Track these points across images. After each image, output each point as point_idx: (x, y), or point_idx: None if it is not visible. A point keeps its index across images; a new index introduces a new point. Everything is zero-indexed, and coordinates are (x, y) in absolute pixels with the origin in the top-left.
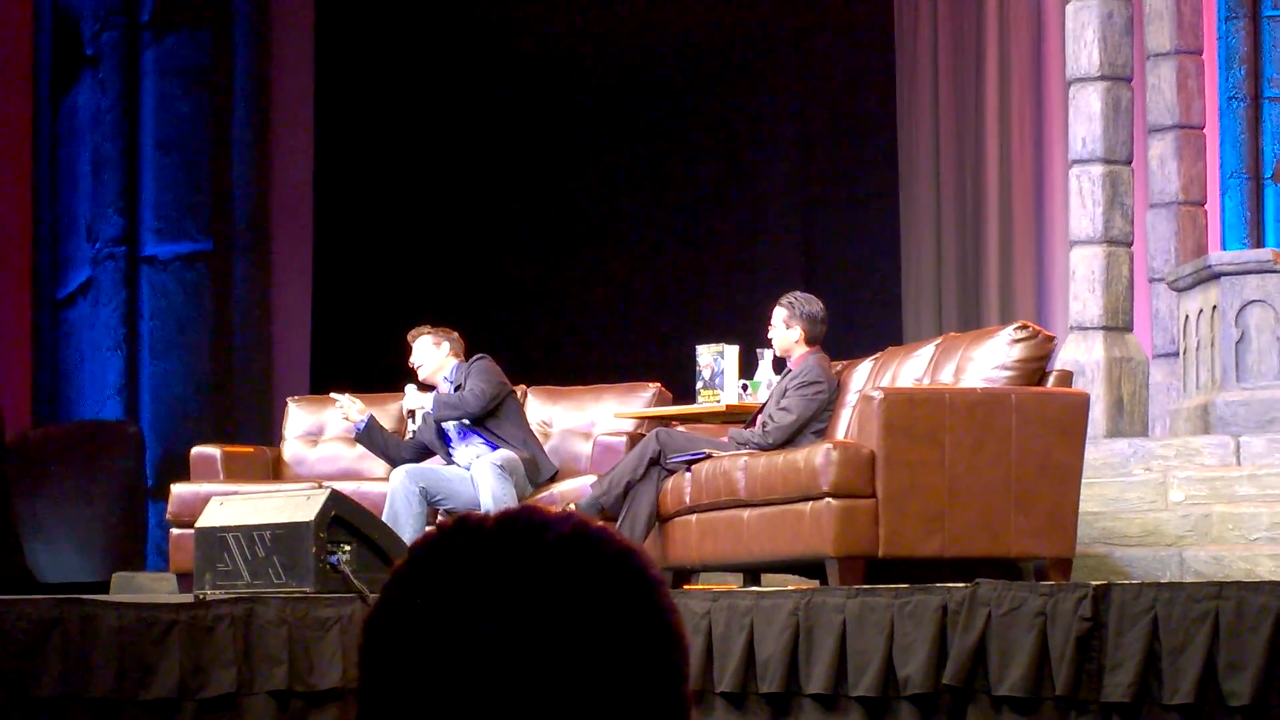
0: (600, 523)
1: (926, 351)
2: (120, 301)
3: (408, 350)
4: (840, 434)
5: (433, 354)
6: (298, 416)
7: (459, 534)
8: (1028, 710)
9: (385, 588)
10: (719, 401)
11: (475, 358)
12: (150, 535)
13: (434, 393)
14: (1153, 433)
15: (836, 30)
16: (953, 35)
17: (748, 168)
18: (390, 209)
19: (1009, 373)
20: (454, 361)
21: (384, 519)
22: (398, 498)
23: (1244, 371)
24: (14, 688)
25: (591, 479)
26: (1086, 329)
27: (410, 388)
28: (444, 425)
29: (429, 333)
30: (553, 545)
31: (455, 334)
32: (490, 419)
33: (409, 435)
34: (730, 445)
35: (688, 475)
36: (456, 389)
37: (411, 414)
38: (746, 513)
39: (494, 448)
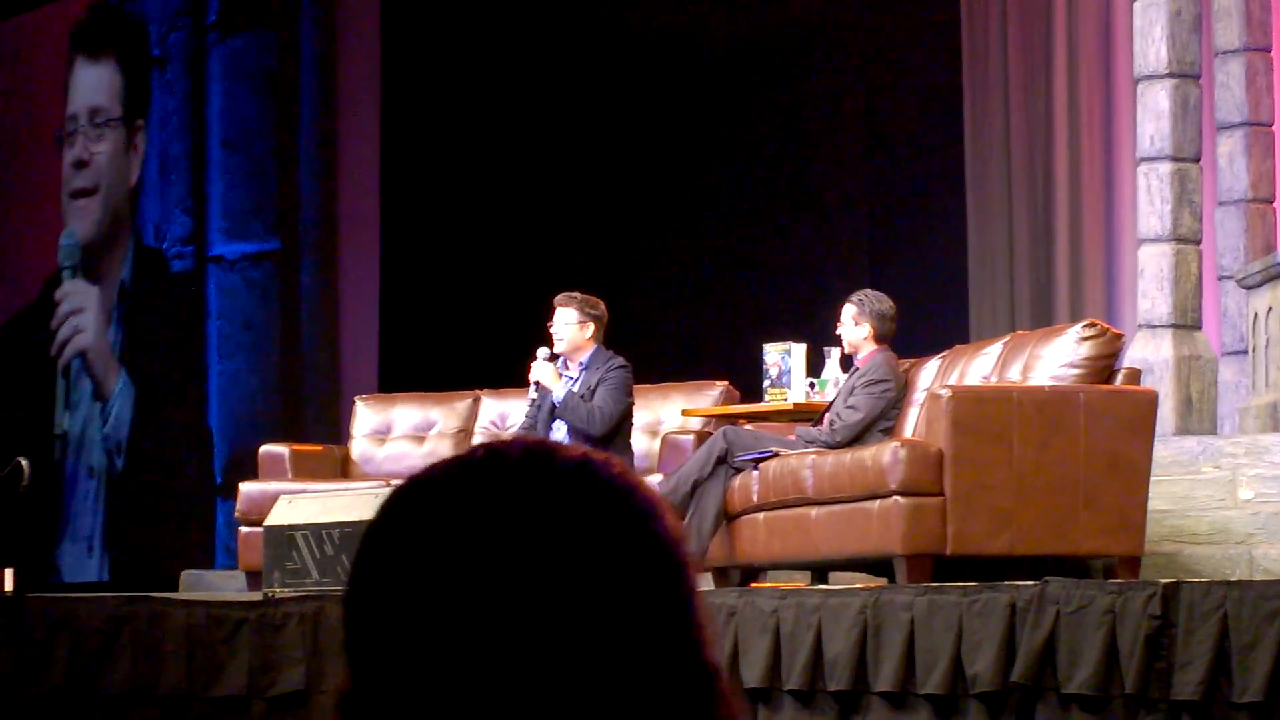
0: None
1: (994, 349)
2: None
3: (549, 312)
4: (908, 432)
5: (576, 333)
6: (365, 415)
7: (451, 466)
8: (1097, 708)
9: (380, 511)
10: (786, 400)
11: (617, 364)
12: (218, 533)
13: (566, 384)
14: (1221, 431)
15: (904, 27)
16: (1021, 30)
17: (815, 165)
18: (457, 207)
19: (1077, 371)
20: (594, 346)
21: None
22: None
23: None
24: (84, 684)
25: (659, 477)
26: (1155, 327)
27: (542, 356)
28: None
29: (576, 307)
30: (555, 475)
31: (602, 307)
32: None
33: (529, 403)
34: (798, 443)
35: (755, 473)
36: (586, 391)
37: (536, 384)
38: (814, 511)
39: None
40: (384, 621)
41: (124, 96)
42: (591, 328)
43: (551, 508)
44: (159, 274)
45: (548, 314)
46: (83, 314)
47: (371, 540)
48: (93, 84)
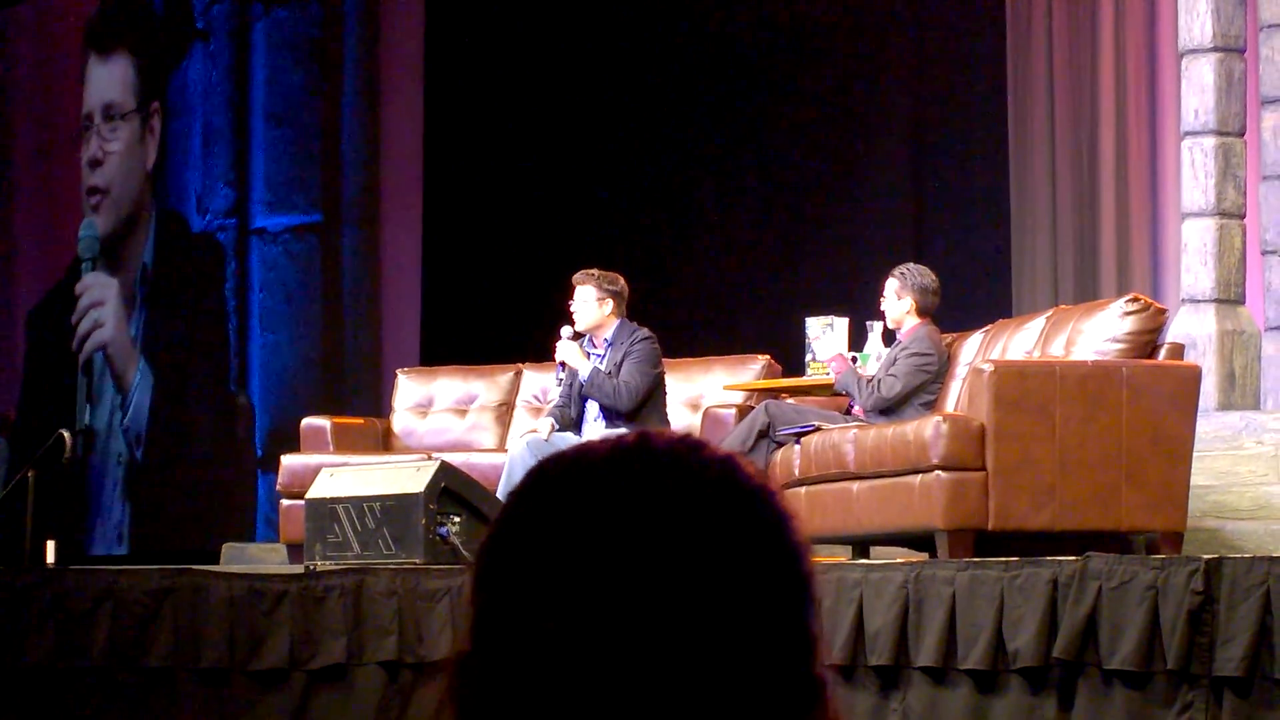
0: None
1: (1037, 324)
2: (230, 274)
3: (569, 290)
4: (950, 406)
5: (595, 310)
6: (408, 388)
7: (601, 447)
8: (1138, 684)
9: (527, 479)
10: (828, 374)
11: (641, 335)
12: (260, 506)
13: (594, 362)
14: (1264, 406)
15: (949, 2)
16: (1066, 3)
17: (859, 138)
18: (500, 181)
19: (1120, 345)
20: (616, 321)
21: (501, 488)
22: (516, 469)
23: None
24: (126, 657)
25: None
26: (1198, 302)
27: (566, 335)
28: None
29: (594, 284)
30: (699, 471)
31: (621, 282)
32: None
33: (556, 383)
34: (838, 417)
35: (797, 448)
36: (613, 367)
37: (563, 364)
38: (856, 485)
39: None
40: (515, 587)
41: (137, 87)
42: (611, 304)
43: (692, 503)
44: (181, 240)
45: (570, 293)
46: (103, 307)
47: (515, 507)
48: (105, 80)
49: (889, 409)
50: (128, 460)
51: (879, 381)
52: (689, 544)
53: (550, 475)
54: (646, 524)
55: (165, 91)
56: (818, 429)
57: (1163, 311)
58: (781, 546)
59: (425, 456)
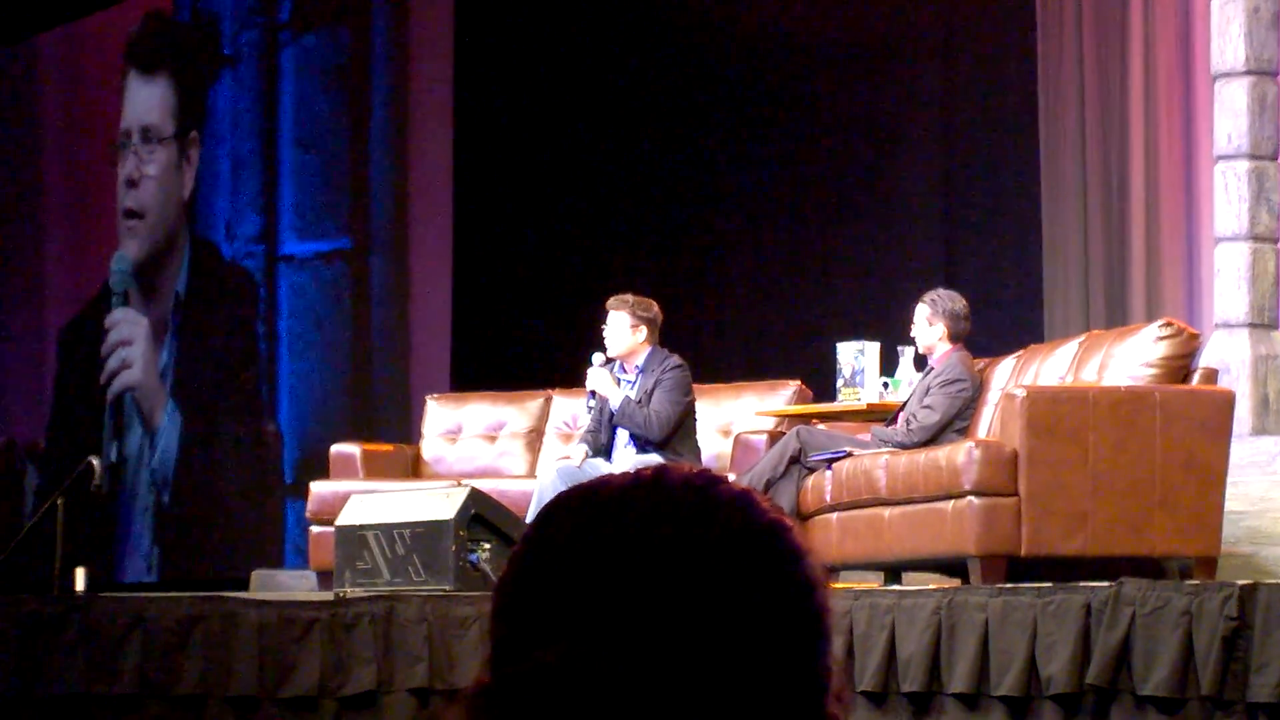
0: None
1: (1069, 349)
2: (259, 300)
3: (600, 316)
4: (982, 432)
5: (628, 336)
6: (437, 414)
7: (617, 482)
8: (1172, 710)
9: (545, 512)
10: (859, 399)
11: (672, 364)
12: (289, 533)
13: (624, 389)
14: None
15: (980, 25)
16: (1097, 27)
17: (888, 163)
18: (530, 206)
19: (1153, 370)
20: (649, 348)
21: (530, 514)
22: (546, 496)
23: None
24: (156, 684)
25: (732, 477)
26: (1232, 326)
27: (597, 361)
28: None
29: (628, 310)
30: (714, 505)
31: (655, 309)
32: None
33: (587, 410)
34: (872, 443)
35: (828, 473)
36: (644, 395)
37: (592, 392)
38: (888, 511)
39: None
40: (531, 620)
41: (176, 113)
42: (644, 330)
43: (707, 538)
44: (214, 268)
45: (603, 318)
46: (131, 346)
47: (532, 540)
48: (145, 102)
49: (930, 439)
50: (156, 494)
51: (914, 415)
52: (703, 579)
53: (567, 510)
54: (661, 559)
55: (204, 120)
56: (849, 454)
57: (1196, 336)
58: (795, 582)
59: (455, 483)
